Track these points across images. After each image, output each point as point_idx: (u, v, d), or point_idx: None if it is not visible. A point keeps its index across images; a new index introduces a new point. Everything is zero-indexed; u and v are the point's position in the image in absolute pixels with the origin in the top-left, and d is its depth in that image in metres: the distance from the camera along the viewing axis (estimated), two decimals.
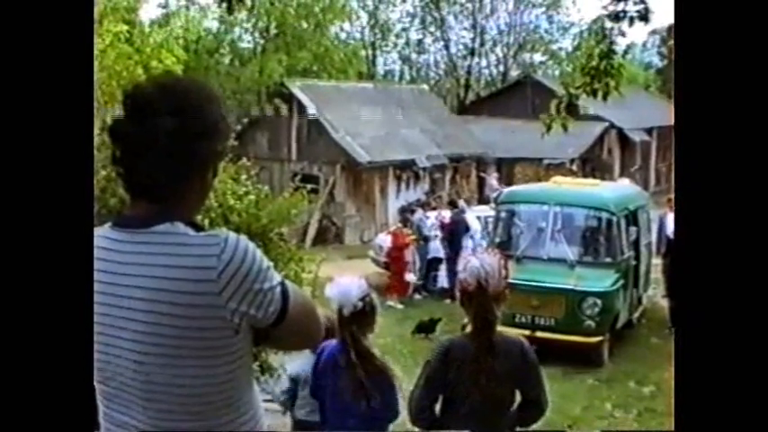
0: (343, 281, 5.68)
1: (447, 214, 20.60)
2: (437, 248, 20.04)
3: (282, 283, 2.47)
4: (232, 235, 2.41)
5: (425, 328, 15.64)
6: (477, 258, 4.92)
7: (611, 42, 9.50)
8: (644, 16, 9.30)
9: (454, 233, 19.51)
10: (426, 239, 20.27)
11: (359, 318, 5.59)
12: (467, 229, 19.61)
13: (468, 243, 18.88)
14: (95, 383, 2.52)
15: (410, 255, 19.73)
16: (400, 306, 18.28)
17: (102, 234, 2.50)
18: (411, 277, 19.56)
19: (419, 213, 21.59)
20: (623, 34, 9.52)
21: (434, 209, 21.83)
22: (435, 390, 5.01)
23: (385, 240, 21.04)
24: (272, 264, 2.48)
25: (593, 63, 9.47)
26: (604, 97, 9.66)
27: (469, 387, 4.86)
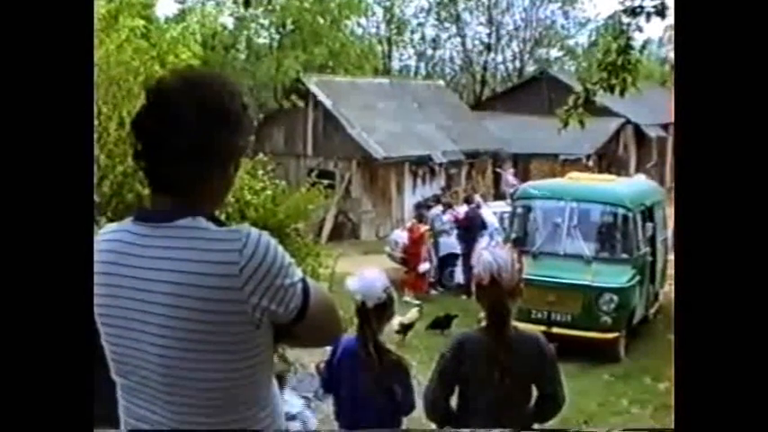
0: (367, 274, 5.71)
1: (462, 210, 20.57)
2: (453, 244, 20.01)
3: (303, 280, 2.48)
4: (254, 230, 2.41)
5: (440, 324, 15.60)
6: (489, 252, 4.89)
7: (629, 38, 9.49)
8: (660, 11, 9.29)
9: (470, 229, 19.45)
10: (442, 235, 20.23)
11: (380, 310, 5.63)
12: (483, 225, 19.55)
13: (483, 239, 18.83)
14: (115, 377, 2.54)
15: (426, 250, 19.69)
16: (416, 302, 18.31)
17: (125, 228, 2.51)
18: (425, 266, 19.50)
19: (435, 209, 21.55)
20: (640, 29, 9.51)
21: (450, 206, 21.76)
22: (449, 384, 5.02)
23: (401, 236, 21.02)
24: (293, 260, 2.48)
25: (611, 58, 9.46)
26: (622, 93, 9.64)
27: (484, 382, 4.86)
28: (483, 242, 17.91)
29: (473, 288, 5.12)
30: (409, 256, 19.70)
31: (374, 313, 5.61)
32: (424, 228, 20.04)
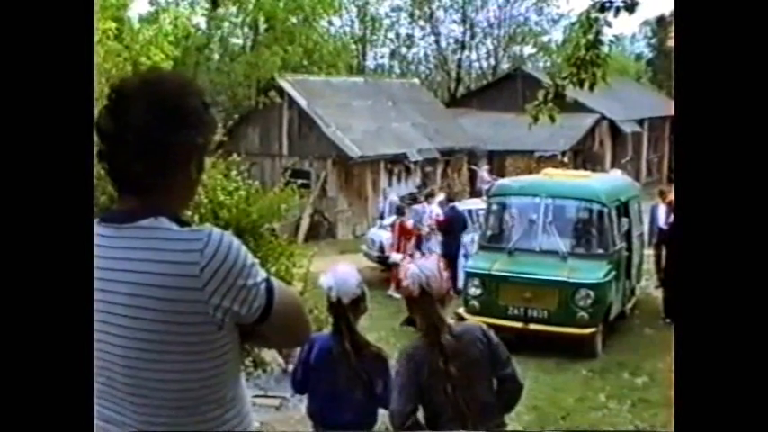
0: (340, 269, 5.70)
1: (437, 210, 20.39)
2: (433, 246, 19.83)
3: (268, 280, 2.47)
4: (216, 230, 2.41)
5: (413, 320, 15.43)
6: (415, 265, 4.96)
7: (598, 32, 9.49)
8: (630, 7, 9.29)
9: (450, 231, 19.21)
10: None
11: (355, 305, 5.62)
12: (464, 225, 19.32)
13: (466, 240, 18.69)
14: None
15: (412, 247, 19.48)
16: (398, 296, 18.22)
17: None
18: (397, 256, 19.39)
19: (421, 206, 21.40)
20: (609, 25, 9.51)
21: (421, 202, 21.64)
22: (411, 398, 4.99)
23: (378, 234, 20.96)
24: (257, 260, 2.48)
25: (580, 54, 9.45)
26: (591, 87, 9.64)
27: (440, 390, 4.86)
28: (467, 244, 17.97)
29: (404, 300, 5.13)
30: (397, 251, 19.49)
31: (349, 308, 5.58)
32: (410, 223, 19.91)
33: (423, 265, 4.93)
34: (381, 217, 23.71)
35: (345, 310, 5.60)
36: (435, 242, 19.53)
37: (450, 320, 5.16)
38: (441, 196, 21.71)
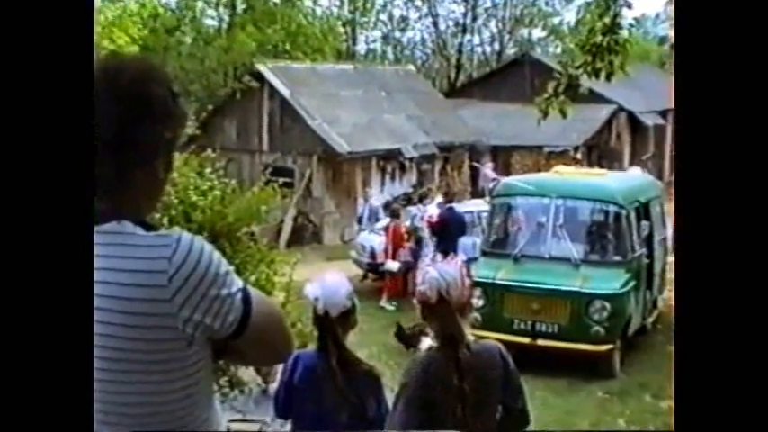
0: (329, 279, 5.65)
1: (435, 211, 20.40)
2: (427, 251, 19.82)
3: (244, 290, 2.45)
4: (185, 235, 2.39)
5: (404, 335, 15.26)
6: (436, 269, 4.95)
7: (616, 15, 9.41)
8: None
9: (445, 233, 19.11)
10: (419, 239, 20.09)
11: (344, 319, 5.59)
12: (462, 229, 19.28)
13: (464, 245, 18.63)
14: None
15: (407, 253, 19.46)
16: (391, 307, 18.21)
17: None
18: (394, 265, 19.39)
19: (416, 208, 21.39)
20: (629, 5, 9.45)
21: (416, 203, 21.64)
22: (417, 415, 4.98)
23: (369, 239, 20.95)
24: (233, 268, 2.46)
25: (596, 39, 9.37)
26: (608, 78, 9.57)
27: (449, 407, 4.86)
28: (464, 250, 17.93)
29: (418, 306, 5.11)
30: (392, 258, 19.50)
31: (337, 322, 5.55)
32: (404, 225, 19.89)
33: (444, 270, 4.92)
34: (360, 222, 23.61)
35: (333, 324, 5.55)
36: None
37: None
38: (440, 197, 21.67)
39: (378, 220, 22.36)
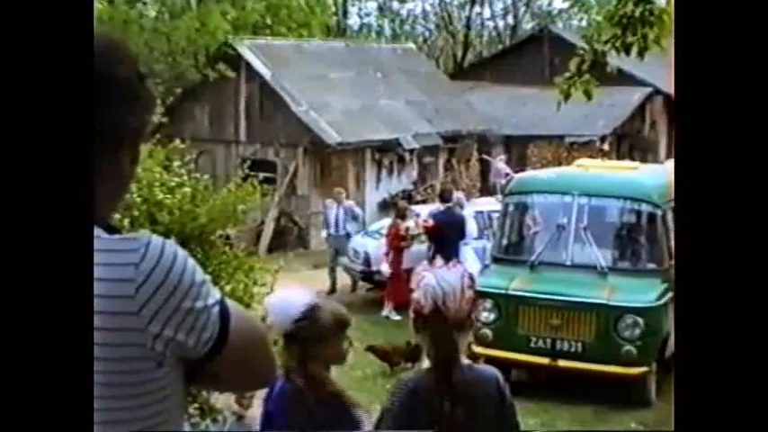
0: (283, 293, 5.69)
1: (426, 211, 20.40)
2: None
3: (222, 303, 2.43)
4: (155, 238, 2.37)
5: (378, 348, 15.33)
6: (432, 274, 4.87)
7: None
8: None
9: (442, 239, 18.88)
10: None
11: (305, 342, 5.55)
12: (461, 232, 19.21)
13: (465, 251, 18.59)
14: None
15: (409, 258, 19.41)
16: (397, 317, 18.20)
17: None
18: (385, 268, 19.43)
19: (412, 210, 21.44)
20: None
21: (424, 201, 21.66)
22: None
23: (363, 244, 20.97)
24: (209, 277, 2.45)
25: (626, 9, 9.32)
26: (641, 54, 9.52)
27: None
28: (466, 256, 17.92)
29: (411, 316, 5.04)
30: (390, 264, 19.49)
31: (297, 343, 5.53)
32: (404, 226, 19.86)
33: (442, 277, 4.83)
34: (327, 227, 23.51)
35: (289, 344, 5.55)
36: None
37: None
38: (458, 195, 21.60)
39: (355, 220, 22.39)
